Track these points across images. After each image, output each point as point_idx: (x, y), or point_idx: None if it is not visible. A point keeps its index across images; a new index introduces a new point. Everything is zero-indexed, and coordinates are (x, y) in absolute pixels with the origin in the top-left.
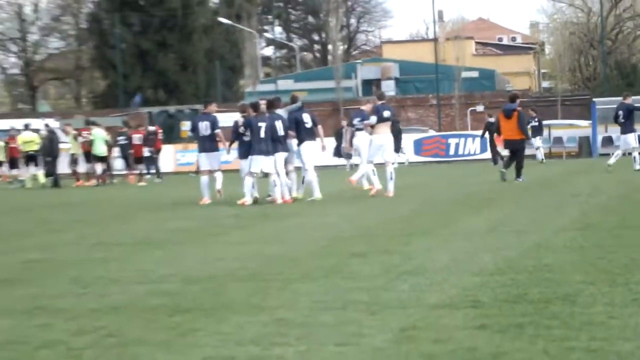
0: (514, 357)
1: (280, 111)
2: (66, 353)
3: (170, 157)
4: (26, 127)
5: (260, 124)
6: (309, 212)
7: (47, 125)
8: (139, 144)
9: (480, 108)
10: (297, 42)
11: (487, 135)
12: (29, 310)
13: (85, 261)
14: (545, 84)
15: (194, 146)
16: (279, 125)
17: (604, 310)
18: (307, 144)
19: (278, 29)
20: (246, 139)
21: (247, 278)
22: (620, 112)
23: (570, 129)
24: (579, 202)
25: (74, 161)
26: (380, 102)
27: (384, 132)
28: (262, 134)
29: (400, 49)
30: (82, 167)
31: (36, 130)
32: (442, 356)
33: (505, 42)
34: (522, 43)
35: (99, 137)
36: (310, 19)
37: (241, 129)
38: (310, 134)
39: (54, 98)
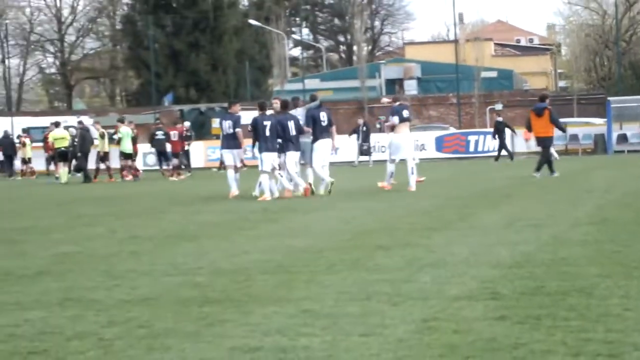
0: (532, 348)
1: (300, 109)
2: (97, 343)
3: (201, 153)
4: (57, 124)
5: (265, 122)
6: (334, 206)
7: (80, 123)
8: (177, 140)
9: (499, 106)
10: (323, 43)
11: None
12: (61, 301)
13: (117, 254)
14: (561, 83)
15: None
16: (290, 125)
17: (619, 303)
18: (320, 142)
19: (305, 31)
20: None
21: (274, 270)
22: None
23: (585, 127)
24: (595, 197)
25: (100, 158)
26: (397, 103)
27: (404, 132)
28: (267, 132)
29: (422, 50)
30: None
31: (67, 128)
32: (463, 347)
33: (523, 43)
34: (539, 44)
35: (126, 134)
36: (336, 21)
37: (249, 129)
38: (325, 132)
39: (89, 96)
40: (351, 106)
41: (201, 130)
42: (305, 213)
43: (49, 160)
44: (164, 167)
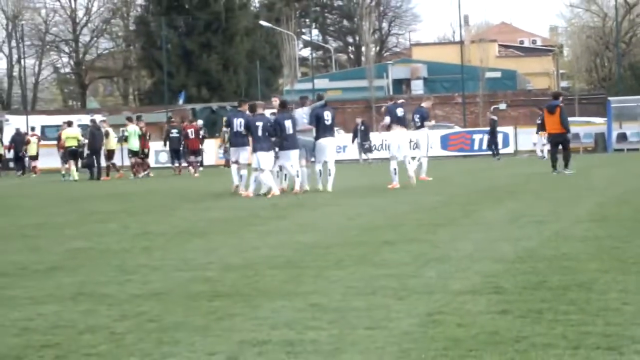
0: (534, 341)
1: (307, 108)
2: (109, 337)
3: (212, 151)
4: (69, 123)
5: (257, 123)
6: (341, 203)
7: (92, 121)
8: (193, 137)
9: (503, 106)
10: (332, 44)
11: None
12: (74, 296)
13: (129, 250)
14: (563, 83)
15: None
16: (288, 124)
17: (618, 297)
18: (322, 140)
19: (315, 32)
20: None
21: (282, 265)
22: None
23: (586, 126)
24: (596, 194)
25: (106, 156)
26: (392, 103)
27: (396, 130)
28: (260, 133)
29: (428, 51)
30: (117, 162)
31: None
32: (466, 340)
33: (526, 44)
34: (542, 45)
35: (132, 132)
36: (345, 22)
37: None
38: (328, 131)
39: (102, 95)
40: (359, 105)
41: (213, 129)
42: (313, 209)
43: (63, 159)
44: (176, 164)
